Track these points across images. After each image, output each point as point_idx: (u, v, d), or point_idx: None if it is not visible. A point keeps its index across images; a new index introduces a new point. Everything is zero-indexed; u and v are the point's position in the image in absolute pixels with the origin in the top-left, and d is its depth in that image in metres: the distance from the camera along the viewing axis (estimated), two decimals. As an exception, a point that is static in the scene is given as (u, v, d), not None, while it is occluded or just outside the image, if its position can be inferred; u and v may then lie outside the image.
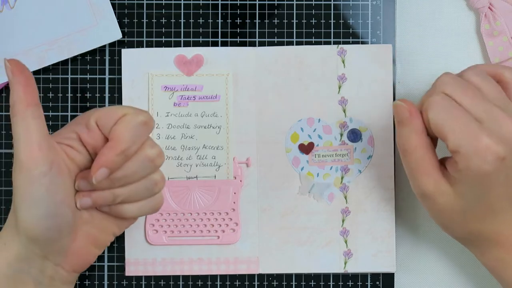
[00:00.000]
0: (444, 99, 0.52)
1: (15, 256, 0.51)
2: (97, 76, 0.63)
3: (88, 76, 0.63)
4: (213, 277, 0.63)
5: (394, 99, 0.63)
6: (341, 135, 0.63)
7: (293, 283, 0.63)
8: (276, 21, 0.63)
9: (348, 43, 0.63)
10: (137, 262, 0.62)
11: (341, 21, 0.63)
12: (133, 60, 0.63)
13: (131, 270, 0.62)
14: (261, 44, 0.63)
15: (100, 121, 0.52)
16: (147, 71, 0.63)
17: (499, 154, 0.51)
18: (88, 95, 0.63)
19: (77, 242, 0.53)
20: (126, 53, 0.63)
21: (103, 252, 0.63)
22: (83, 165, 0.53)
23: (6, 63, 0.49)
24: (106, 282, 0.63)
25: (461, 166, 0.51)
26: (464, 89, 0.53)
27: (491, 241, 0.55)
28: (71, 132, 0.53)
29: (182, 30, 0.63)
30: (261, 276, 0.63)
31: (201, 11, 0.63)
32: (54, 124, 0.63)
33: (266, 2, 0.63)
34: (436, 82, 0.54)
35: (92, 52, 0.63)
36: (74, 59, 0.63)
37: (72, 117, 0.63)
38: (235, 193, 0.62)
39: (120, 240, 0.63)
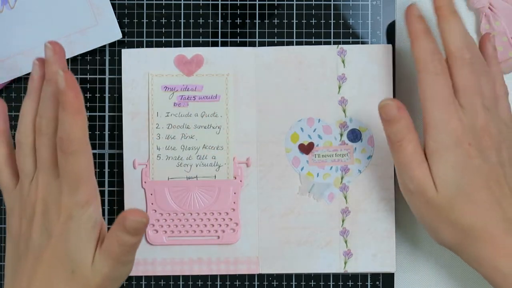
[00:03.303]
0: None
1: None
2: (97, 76, 0.63)
3: (88, 76, 0.63)
4: (213, 277, 0.63)
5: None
6: (341, 135, 0.63)
7: (293, 283, 0.63)
8: (276, 21, 0.63)
9: (348, 43, 0.63)
10: (137, 262, 0.62)
11: (341, 21, 0.63)
12: (133, 60, 0.63)
13: (131, 270, 0.62)
14: (261, 44, 0.63)
15: None
16: (147, 71, 0.63)
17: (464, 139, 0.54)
18: (88, 95, 0.63)
19: None
20: (126, 53, 0.63)
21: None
22: None
23: None
24: (106, 282, 0.63)
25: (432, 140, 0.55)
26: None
27: (480, 239, 0.54)
28: None
29: (182, 30, 0.63)
30: (261, 276, 0.63)
31: (201, 11, 0.63)
32: (54, 124, 0.63)
33: (266, 2, 0.63)
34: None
35: (92, 52, 0.63)
36: (74, 59, 0.63)
37: (72, 117, 0.63)
38: (235, 193, 0.62)
39: (120, 240, 0.62)
